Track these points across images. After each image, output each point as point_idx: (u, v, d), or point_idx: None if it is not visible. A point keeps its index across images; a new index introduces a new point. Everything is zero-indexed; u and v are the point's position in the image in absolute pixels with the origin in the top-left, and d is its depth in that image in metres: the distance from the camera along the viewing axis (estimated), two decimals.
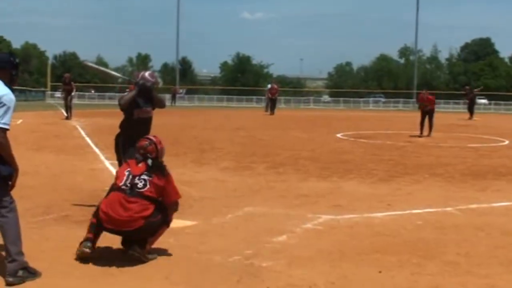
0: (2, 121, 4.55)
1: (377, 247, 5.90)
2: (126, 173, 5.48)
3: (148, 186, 5.37)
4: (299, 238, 6.26)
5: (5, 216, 4.73)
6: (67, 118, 25.47)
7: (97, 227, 5.35)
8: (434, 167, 12.04)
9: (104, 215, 5.27)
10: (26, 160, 11.34)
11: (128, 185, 5.37)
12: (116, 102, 7.58)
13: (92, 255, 5.26)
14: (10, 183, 4.76)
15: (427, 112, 21.10)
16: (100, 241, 5.48)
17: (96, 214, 5.40)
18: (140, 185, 5.37)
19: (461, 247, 5.95)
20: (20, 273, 4.70)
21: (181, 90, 70.20)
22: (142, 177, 5.41)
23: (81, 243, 5.32)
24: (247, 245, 5.85)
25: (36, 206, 7.42)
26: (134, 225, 5.21)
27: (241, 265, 5.25)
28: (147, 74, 7.47)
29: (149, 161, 5.54)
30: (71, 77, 27.95)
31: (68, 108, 26.08)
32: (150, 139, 5.77)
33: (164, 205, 5.48)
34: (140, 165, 5.52)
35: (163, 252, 5.57)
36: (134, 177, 5.41)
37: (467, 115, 34.35)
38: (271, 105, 36.44)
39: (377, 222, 7.04)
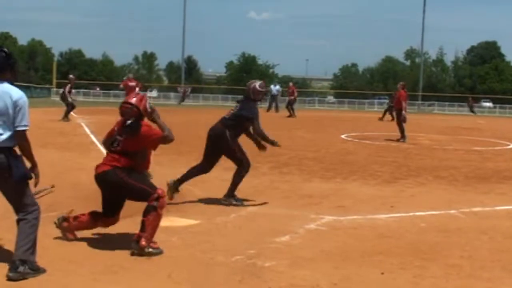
0: (22, 124, 4.82)
1: (380, 248, 5.89)
2: (114, 131, 6.01)
3: (120, 146, 5.84)
4: (302, 238, 6.26)
5: (24, 219, 4.91)
6: (67, 119, 24.29)
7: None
8: (438, 169, 12.02)
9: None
10: None
11: (107, 142, 6.02)
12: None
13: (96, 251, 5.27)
14: (28, 182, 4.96)
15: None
16: (102, 238, 5.48)
17: None
18: (114, 144, 5.90)
19: (464, 250, 5.94)
20: (21, 269, 4.71)
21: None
22: (117, 137, 5.89)
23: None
24: (250, 245, 5.85)
25: (39, 203, 7.40)
26: (102, 168, 5.86)
27: (244, 265, 5.25)
28: (258, 85, 8.42)
29: (128, 122, 5.93)
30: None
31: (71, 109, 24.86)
32: (131, 104, 5.94)
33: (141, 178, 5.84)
34: (121, 124, 6.00)
35: (166, 250, 5.58)
36: (115, 133, 5.95)
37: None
38: (291, 106, 35.91)
39: (380, 224, 7.03)
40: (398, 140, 18.53)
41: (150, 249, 5.51)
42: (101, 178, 5.90)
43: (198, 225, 6.71)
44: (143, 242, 5.50)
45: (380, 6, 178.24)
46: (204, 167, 8.25)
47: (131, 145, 5.81)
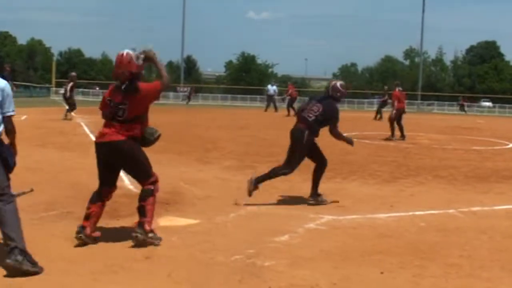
0: (11, 109, 5.14)
1: (379, 248, 5.90)
2: (107, 101, 5.88)
3: (126, 113, 5.74)
4: (301, 238, 6.26)
5: (4, 201, 4.91)
6: (68, 118, 24.32)
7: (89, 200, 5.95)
8: (437, 169, 12.03)
9: (97, 133, 6.02)
10: (29, 157, 11.36)
11: (109, 114, 5.83)
12: None
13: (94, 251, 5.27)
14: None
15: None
16: (102, 238, 5.48)
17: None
18: (119, 113, 5.76)
19: (464, 250, 5.94)
20: (19, 258, 4.71)
21: (185, 89, 70.17)
22: (120, 106, 5.75)
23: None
24: (250, 245, 5.85)
25: (38, 203, 7.43)
26: (114, 137, 5.73)
27: (243, 265, 5.25)
28: (338, 84, 8.47)
29: (123, 87, 5.80)
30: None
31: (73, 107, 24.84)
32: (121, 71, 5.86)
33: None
34: (117, 92, 5.84)
35: (165, 250, 5.58)
36: (115, 105, 5.78)
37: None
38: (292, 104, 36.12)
39: (380, 223, 7.03)
40: (387, 139, 18.69)
41: (152, 234, 5.71)
42: (110, 146, 5.78)
43: (198, 224, 6.71)
44: (147, 227, 5.66)
45: (380, 5, 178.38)
46: (286, 167, 8.10)
47: (136, 108, 5.77)
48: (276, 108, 37.66)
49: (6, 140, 5.11)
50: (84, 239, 5.67)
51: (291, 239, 6.19)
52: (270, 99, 39.26)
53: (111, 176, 6.01)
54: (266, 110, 37.97)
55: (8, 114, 5.09)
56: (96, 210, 5.86)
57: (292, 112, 33.98)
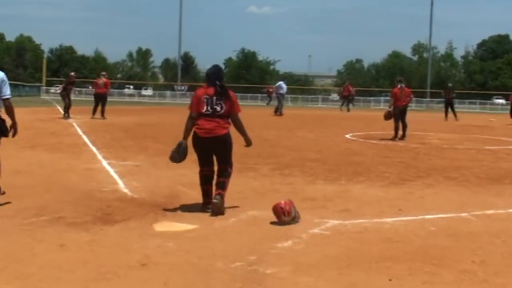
0: (8, 93, 7.45)
1: (387, 254, 5.88)
2: (205, 100, 7.49)
3: (224, 108, 7.51)
4: (305, 243, 6.25)
5: None
6: (67, 117, 25.24)
7: (203, 181, 7.73)
8: (448, 170, 12.01)
9: (199, 129, 7.48)
10: (18, 159, 11.37)
11: (210, 110, 7.46)
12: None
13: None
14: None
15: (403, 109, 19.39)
16: (96, 244, 5.46)
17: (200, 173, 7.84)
18: (218, 108, 7.47)
19: (476, 255, 5.92)
20: None
21: (182, 87, 70.20)
22: (218, 102, 7.48)
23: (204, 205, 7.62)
24: (251, 251, 5.84)
25: (28, 207, 7.42)
26: (222, 131, 7.45)
27: (244, 272, 5.24)
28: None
29: (217, 87, 7.54)
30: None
31: (68, 107, 25.83)
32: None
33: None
34: (210, 88, 7.57)
35: (161, 257, 5.57)
36: (212, 100, 7.49)
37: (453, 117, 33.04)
38: (347, 102, 36.54)
39: (387, 228, 7.02)
40: (392, 139, 18.79)
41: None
42: (216, 140, 7.46)
43: (196, 229, 6.70)
44: (224, 198, 7.40)
45: None
46: None
47: (229, 106, 7.54)
48: (281, 111, 34.23)
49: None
50: (220, 204, 7.36)
51: (295, 244, 6.18)
52: (281, 98, 35.39)
53: (211, 158, 7.77)
54: (279, 113, 33.87)
55: (7, 97, 7.38)
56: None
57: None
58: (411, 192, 9.45)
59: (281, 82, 36.59)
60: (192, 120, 7.57)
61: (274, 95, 38.75)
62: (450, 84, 38.51)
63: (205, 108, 7.48)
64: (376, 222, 7.29)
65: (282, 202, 7.07)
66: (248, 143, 7.91)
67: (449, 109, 33.88)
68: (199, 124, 7.50)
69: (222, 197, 7.37)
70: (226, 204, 7.61)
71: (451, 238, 6.57)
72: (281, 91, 35.41)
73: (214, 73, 7.75)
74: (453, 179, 10.88)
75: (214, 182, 7.69)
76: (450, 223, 7.35)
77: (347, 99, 45.57)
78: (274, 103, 38.98)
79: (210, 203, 7.43)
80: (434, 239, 6.53)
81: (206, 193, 7.63)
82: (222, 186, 7.52)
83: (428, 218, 7.53)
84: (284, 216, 6.98)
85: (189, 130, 7.64)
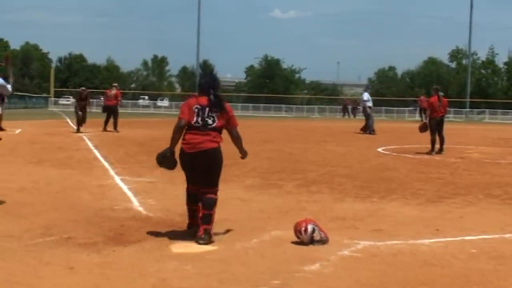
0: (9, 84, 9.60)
1: (423, 279, 5.84)
2: (196, 110, 7.15)
3: (217, 122, 7.20)
4: (334, 267, 6.22)
5: None
6: (78, 131, 25.44)
7: (189, 200, 7.48)
8: (490, 187, 11.92)
9: (185, 144, 7.12)
10: (24, 175, 11.48)
11: (200, 122, 7.12)
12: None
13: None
14: None
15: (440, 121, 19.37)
16: (107, 266, 5.46)
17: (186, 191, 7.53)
18: (209, 121, 7.15)
19: None
20: None
21: None
22: (210, 114, 7.17)
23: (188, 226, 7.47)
24: (275, 274, 5.82)
25: (35, 227, 7.47)
26: (211, 145, 7.08)
27: None
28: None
29: (211, 97, 7.22)
30: (89, 93, 28.39)
31: (82, 120, 26.09)
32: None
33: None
34: (202, 98, 7.25)
35: (179, 281, 5.57)
36: (203, 111, 7.16)
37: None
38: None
39: (423, 250, 6.97)
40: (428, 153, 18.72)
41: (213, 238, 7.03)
42: (203, 154, 7.08)
43: (216, 251, 6.70)
44: (212, 233, 7.00)
45: (421, 1, 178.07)
46: None
47: (224, 120, 7.31)
48: (373, 127, 30.39)
49: None
50: (208, 239, 6.95)
51: (322, 268, 6.16)
52: (368, 111, 31.09)
53: (197, 178, 7.34)
54: (372, 131, 30.11)
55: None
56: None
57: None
58: (450, 210, 9.39)
59: (365, 93, 32.38)
60: (181, 129, 7.17)
61: (354, 107, 37.27)
62: None
63: (195, 119, 7.13)
64: (411, 243, 7.24)
65: (303, 220, 7.07)
66: (244, 154, 7.90)
67: None
68: (186, 138, 7.16)
69: (209, 233, 6.96)
70: (247, 224, 7.61)
71: (494, 261, 6.51)
72: (369, 104, 31.30)
73: (208, 82, 7.48)
74: (495, 196, 10.79)
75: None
76: (492, 244, 7.29)
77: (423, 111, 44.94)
78: (359, 117, 36.33)
79: (194, 225, 7.27)
80: (476, 263, 6.48)
81: (192, 214, 7.40)
82: (207, 220, 7.02)
83: (468, 240, 7.47)
84: (300, 234, 6.95)
85: (176, 139, 7.23)
